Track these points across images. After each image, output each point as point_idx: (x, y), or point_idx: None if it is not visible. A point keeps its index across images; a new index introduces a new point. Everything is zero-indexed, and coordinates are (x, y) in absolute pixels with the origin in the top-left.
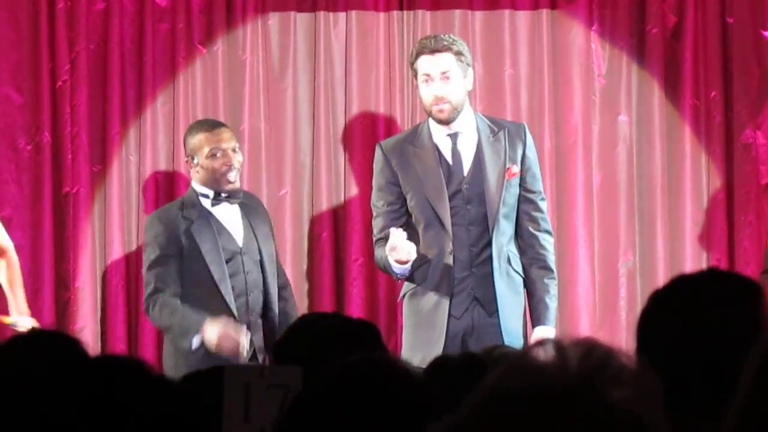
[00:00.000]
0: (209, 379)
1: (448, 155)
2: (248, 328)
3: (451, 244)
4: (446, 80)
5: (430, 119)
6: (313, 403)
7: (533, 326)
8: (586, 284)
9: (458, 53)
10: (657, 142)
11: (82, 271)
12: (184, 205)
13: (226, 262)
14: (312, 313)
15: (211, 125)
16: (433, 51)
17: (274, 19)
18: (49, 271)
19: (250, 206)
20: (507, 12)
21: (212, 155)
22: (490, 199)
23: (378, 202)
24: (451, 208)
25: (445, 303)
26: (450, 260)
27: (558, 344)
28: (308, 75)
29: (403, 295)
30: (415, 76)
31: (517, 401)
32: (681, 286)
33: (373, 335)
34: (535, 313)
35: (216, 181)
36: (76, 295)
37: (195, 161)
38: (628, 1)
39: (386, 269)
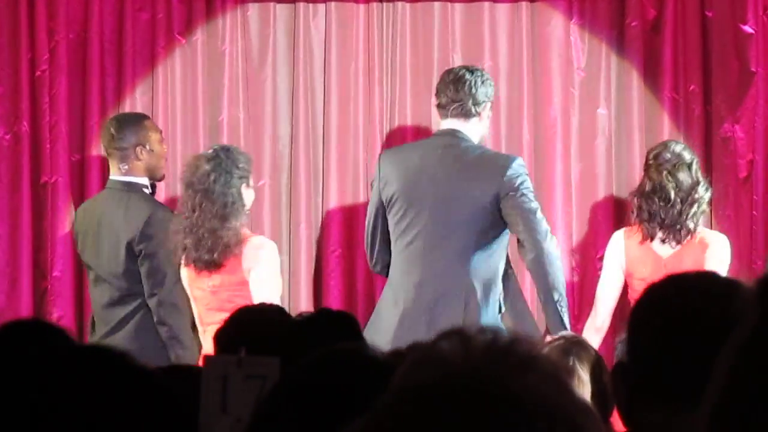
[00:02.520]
0: (186, 370)
1: None
2: None
3: None
4: None
5: None
6: (289, 392)
7: None
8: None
9: None
10: (636, 134)
11: (60, 261)
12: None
13: None
14: (251, 307)
15: (142, 115)
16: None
17: (253, 9)
18: (28, 261)
19: None
20: (487, 4)
21: (160, 141)
22: None
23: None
24: None
25: None
26: None
27: (462, 335)
28: (288, 66)
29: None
30: (491, 106)
31: (423, 397)
32: (672, 283)
33: (351, 326)
34: None
35: (159, 168)
36: (54, 284)
37: (148, 148)
38: None
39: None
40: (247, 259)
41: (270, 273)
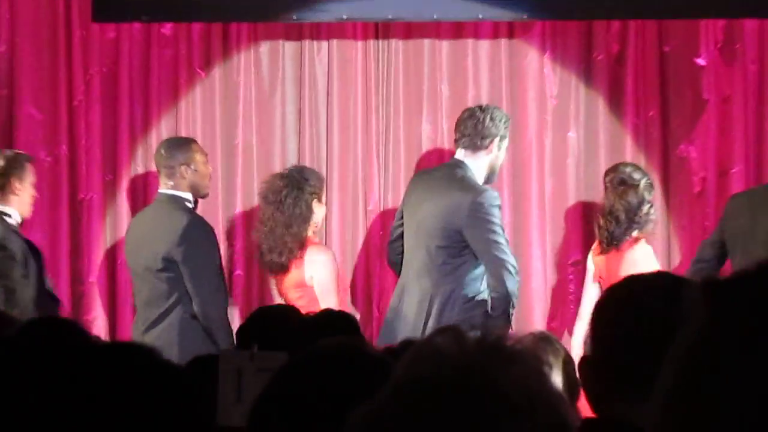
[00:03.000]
0: (205, 362)
1: None
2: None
3: None
4: None
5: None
6: (291, 376)
7: None
8: (539, 280)
9: None
10: (602, 155)
11: (95, 268)
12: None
13: None
14: (269, 306)
15: (190, 139)
16: None
17: (264, 46)
18: (66, 268)
19: None
20: (470, 41)
21: (205, 163)
22: None
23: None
24: None
25: None
26: None
27: (456, 332)
28: (295, 96)
29: None
30: (501, 140)
31: (422, 387)
32: (631, 283)
33: (351, 325)
34: None
35: (203, 186)
36: (90, 289)
37: (192, 167)
38: (576, 31)
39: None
40: (307, 263)
41: (325, 278)
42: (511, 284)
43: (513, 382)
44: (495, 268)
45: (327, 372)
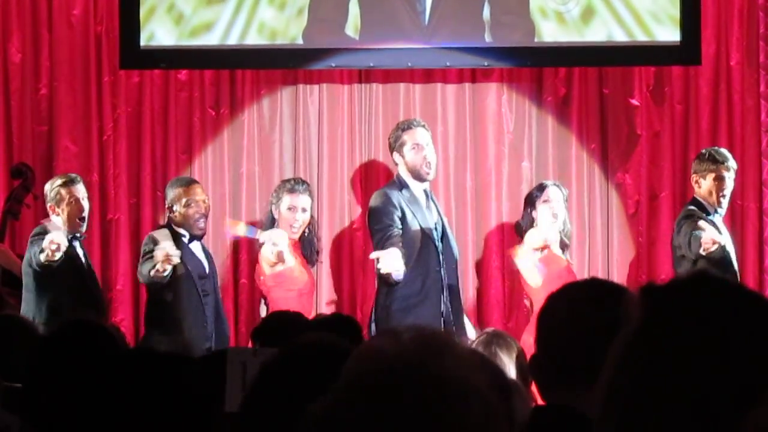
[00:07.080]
0: (217, 357)
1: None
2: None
3: None
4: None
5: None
6: (276, 368)
7: None
8: (497, 286)
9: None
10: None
11: (122, 278)
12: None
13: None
14: (280, 311)
15: (186, 182)
16: (420, 126)
17: (265, 89)
18: (98, 278)
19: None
20: (439, 85)
21: (187, 205)
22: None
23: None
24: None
25: None
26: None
27: (394, 331)
28: (291, 132)
29: None
30: (401, 147)
31: (365, 381)
32: (569, 290)
33: (354, 327)
34: None
35: (189, 226)
36: (118, 295)
37: (175, 209)
38: (529, 76)
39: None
40: None
41: None
42: None
43: (445, 371)
44: None
45: (306, 363)
